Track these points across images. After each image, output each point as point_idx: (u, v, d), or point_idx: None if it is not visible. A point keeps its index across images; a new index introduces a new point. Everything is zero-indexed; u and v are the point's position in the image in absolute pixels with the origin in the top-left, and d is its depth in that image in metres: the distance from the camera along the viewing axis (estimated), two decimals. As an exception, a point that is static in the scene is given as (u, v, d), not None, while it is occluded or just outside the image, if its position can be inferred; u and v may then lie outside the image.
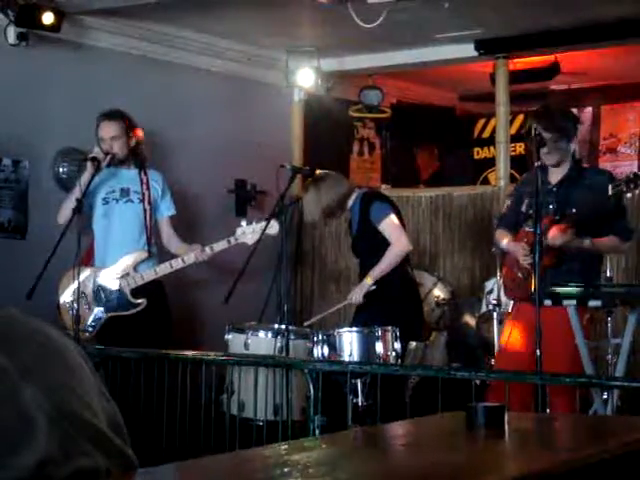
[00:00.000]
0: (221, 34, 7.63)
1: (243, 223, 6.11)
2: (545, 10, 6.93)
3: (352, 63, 8.35)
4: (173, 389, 4.99)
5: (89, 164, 5.90)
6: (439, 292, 6.97)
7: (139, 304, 6.02)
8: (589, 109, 10.21)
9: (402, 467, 1.30)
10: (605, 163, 9.95)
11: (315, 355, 5.46)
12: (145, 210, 6.12)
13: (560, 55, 8.37)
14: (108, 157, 5.93)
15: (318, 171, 6.27)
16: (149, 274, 6.04)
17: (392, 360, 5.45)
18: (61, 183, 6.82)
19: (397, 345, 5.50)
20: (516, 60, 8.06)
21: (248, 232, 6.06)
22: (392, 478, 1.23)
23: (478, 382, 5.03)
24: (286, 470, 1.23)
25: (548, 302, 4.97)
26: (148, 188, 6.15)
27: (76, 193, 5.82)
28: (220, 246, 6.11)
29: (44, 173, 6.81)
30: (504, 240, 5.50)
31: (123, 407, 1.20)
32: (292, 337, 5.68)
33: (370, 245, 6.07)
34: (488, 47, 7.75)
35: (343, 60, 8.31)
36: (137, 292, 6.04)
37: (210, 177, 7.65)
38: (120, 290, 6.03)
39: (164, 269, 6.05)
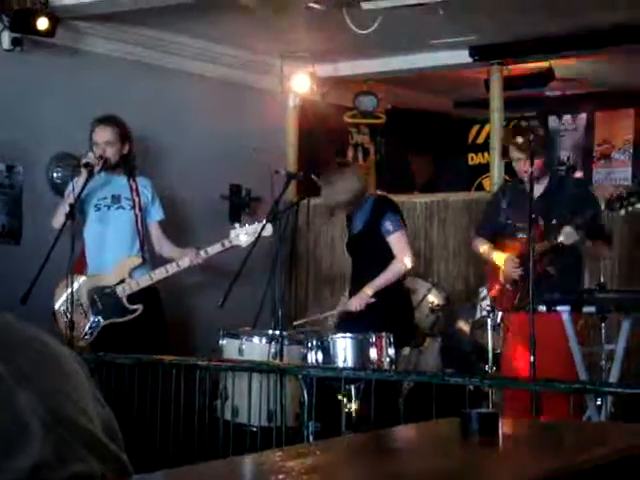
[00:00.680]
0: (216, 39, 7.63)
1: (237, 225, 6.12)
2: (540, 16, 6.94)
3: (347, 69, 8.35)
4: (167, 394, 4.99)
5: (83, 169, 5.90)
6: (433, 298, 6.97)
7: (135, 310, 6.01)
8: (583, 115, 10.23)
9: (396, 474, 1.30)
10: (599, 169, 9.97)
11: (309, 361, 5.46)
12: (136, 216, 6.12)
13: (554, 61, 8.38)
14: (101, 162, 5.93)
15: (343, 160, 6.26)
16: (145, 280, 6.03)
17: (386, 366, 5.45)
18: (55, 188, 6.81)
19: (391, 351, 5.50)
20: (510, 66, 8.07)
21: (242, 234, 6.06)
22: (386, 485, 1.23)
23: (472, 388, 5.03)
24: (280, 477, 1.23)
25: (542, 308, 4.99)
26: (138, 195, 6.15)
27: (70, 198, 5.82)
28: (214, 249, 6.11)
29: (38, 178, 6.80)
30: (481, 248, 5.64)
31: (117, 413, 1.20)
32: (286, 343, 5.68)
33: (370, 248, 6.06)
34: (483, 53, 7.76)
35: (338, 66, 8.32)
36: (132, 298, 6.04)
37: (204, 183, 7.65)
38: (116, 297, 6.02)
39: (160, 274, 6.05)
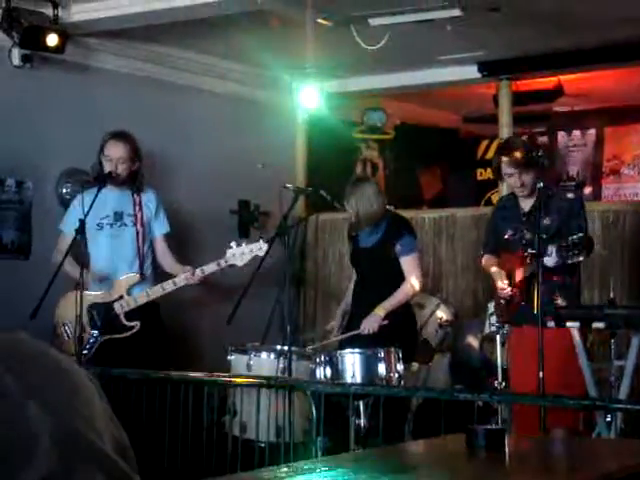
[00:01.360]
0: (225, 55, 7.66)
1: (233, 245, 6.11)
2: (548, 32, 6.94)
3: (355, 84, 8.37)
4: (175, 410, 4.98)
5: (91, 181, 5.96)
6: (442, 314, 6.95)
7: (133, 327, 6.03)
8: (592, 131, 10.23)
9: (401, 490, 1.30)
10: (608, 185, 9.96)
11: (317, 376, 5.44)
12: (138, 232, 6.14)
13: (563, 77, 8.39)
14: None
15: (360, 177, 6.27)
16: (142, 297, 6.05)
17: (395, 382, 5.43)
18: (65, 204, 6.82)
19: (400, 367, 5.48)
20: (519, 82, 8.07)
21: (238, 254, 6.06)
22: (391, 501, 1.22)
23: (481, 404, 5.01)
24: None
25: (552, 324, 4.97)
26: (141, 209, 6.16)
27: (68, 224, 5.87)
28: (210, 268, 6.10)
29: (48, 194, 6.82)
30: (493, 267, 5.64)
31: (125, 428, 1.20)
32: (294, 358, 5.67)
33: (380, 265, 6.04)
34: (491, 69, 7.77)
35: (346, 81, 8.34)
36: (132, 314, 6.04)
37: (213, 198, 7.66)
38: (114, 313, 6.04)
39: (156, 292, 6.06)
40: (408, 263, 6.01)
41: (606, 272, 6.53)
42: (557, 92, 8.70)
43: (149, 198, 6.25)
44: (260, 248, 6.02)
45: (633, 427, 5.51)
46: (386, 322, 5.92)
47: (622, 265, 7.03)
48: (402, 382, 5.50)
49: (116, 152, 6.03)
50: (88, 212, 5.76)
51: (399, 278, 6.03)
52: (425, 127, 10.11)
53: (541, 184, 5.11)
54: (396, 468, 1.60)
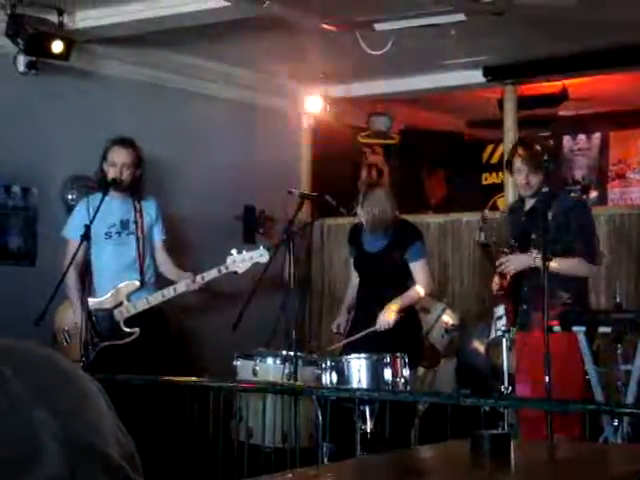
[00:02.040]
0: (230, 61, 7.67)
1: (233, 252, 6.11)
2: (553, 36, 6.94)
3: (360, 89, 8.38)
4: (181, 416, 4.98)
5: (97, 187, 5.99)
6: (448, 318, 6.94)
7: (132, 333, 6.04)
8: (598, 135, 10.21)
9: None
10: (614, 189, 9.94)
11: (323, 382, 5.44)
12: (138, 239, 6.15)
13: (568, 81, 8.39)
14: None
15: (375, 183, 6.28)
16: (141, 304, 6.06)
17: (401, 387, 5.42)
18: (70, 210, 6.83)
19: (406, 372, 5.48)
20: (524, 86, 8.07)
21: (238, 261, 6.07)
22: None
23: (487, 408, 5.00)
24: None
25: (557, 328, 4.96)
26: (142, 216, 6.18)
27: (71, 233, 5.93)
28: (211, 275, 6.11)
29: (53, 200, 6.83)
30: None
31: (131, 434, 1.20)
32: (300, 363, 5.67)
33: (388, 270, 6.05)
34: (496, 73, 7.77)
35: (351, 86, 8.34)
36: (133, 321, 6.05)
37: (218, 203, 7.66)
38: (113, 320, 6.05)
39: (156, 298, 6.07)
40: (419, 268, 6.03)
41: (612, 276, 6.51)
42: (562, 96, 8.70)
43: (150, 205, 6.26)
44: (261, 255, 6.04)
45: (640, 432, 5.50)
46: (398, 318, 5.92)
47: (628, 269, 7.02)
48: (408, 387, 5.50)
49: (121, 158, 6.03)
50: (94, 218, 5.77)
51: (404, 283, 6.03)
52: (430, 131, 10.11)
53: (547, 189, 5.12)
54: (402, 474, 1.59)
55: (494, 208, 9.56)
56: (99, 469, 1.02)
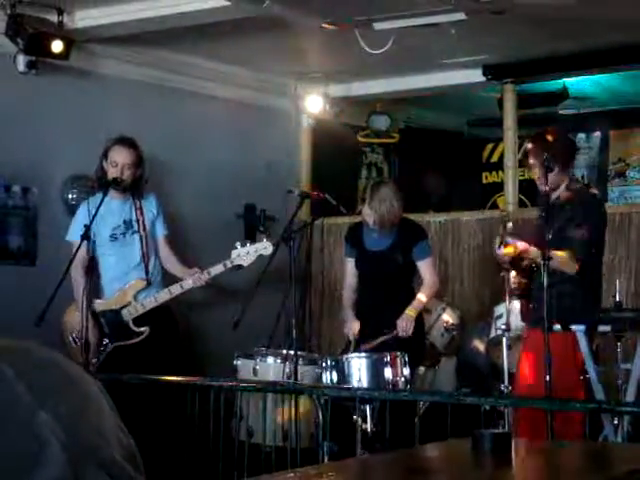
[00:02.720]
0: (230, 61, 7.67)
1: (237, 245, 6.12)
2: (553, 35, 6.94)
3: (360, 89, 8.38)
4: (182, 415, 4.98)
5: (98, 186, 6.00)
6: (448, 317, 6.95)
7: (142, 332, 6.04)
8: (597, 134, 10.21)
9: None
10: (614, 188, 9.94)
11: (324, 381, 5.45)
12: (141, 237, 6.15)
13: (568, 80, 8.39)
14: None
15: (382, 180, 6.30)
16: (149, 302, 6.06)
17: (401, 386, 5.43)
18: (70, 209, 6.83)
19: (406, 371, 5.48)
20: (524, 85, 8.07)
21: (243, 254, 6.08)
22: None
23: (488, 407, 5.01)
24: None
25: (557, 327, 4.96)
26: (142, 214, 6.17)
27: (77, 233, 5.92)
28: (217, 270, 6.12)
29: (53, 200, 6.83)
30: None
31: (131, 434, 1.20)
32: (301, 363, 5.67)
33: (391, 269, 6.05)
34: (496, 72, 7.77)
35: (351, 86, 8.34)
36: (142, 320, 6.05)
37: (219, 202, 7.67)
38: (121, 320, 6.05)
39: (163, 296, 6.08)
40: (426, 267, 6.06)
41: (612, 275, 6.50)
42: (562, 95, 8.69)
43: (150, 202, 6.26)
44: (265, 247, 6.07)
45: (640, 430, 5.50)
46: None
47: (628, 268, 7.02)
48: (409, 386, 5.50)
49: (122, 158, 6.02)
50: (94, 218, 5.78)
51: (409, 283, 6.05)
52: (430, 130, 10.11)
53: (546, 188, 5.09)
54: (403, 473, 1.60)
55: (494, 207, 9.56)
56: (101, 470, 1.03)
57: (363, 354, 5.55)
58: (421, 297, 6.01)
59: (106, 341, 6.02)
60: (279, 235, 6.19)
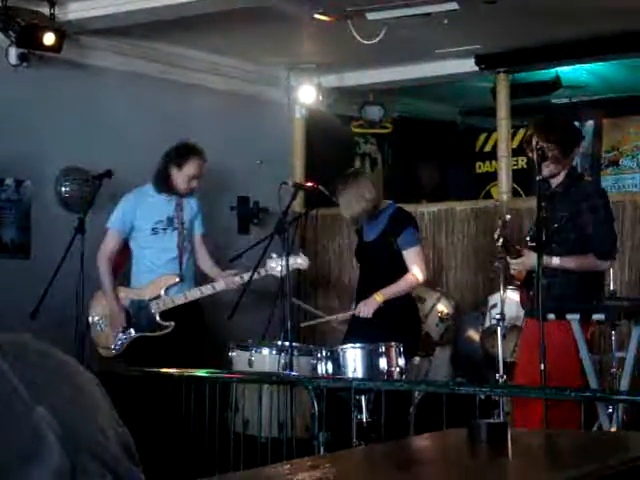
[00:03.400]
0: (222, 52, 7.66)
1: (274, 255, 6.18)
2: (546, 24, 6.94)
3: (353, 79, 8.37)
4: (177, 407, 4.99)
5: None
6: (443, 307, 6.96)
7: (167, 327, 6.12)
8: (591, 122, 10.22)
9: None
10: (607, 177, 9.96)
11: (319, 372, 5.45)
12: (180, 234, 6.26)
13: (561, 69, 8.39)
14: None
15: (352, 171, 6.36)
16: (179, 298, 6.15)
17: (396, 376, 5.44)
18: (63, 202, 6.83)
19: (401, 361, 5.49)
20: (517, 74, 8.07)
21: (278, 265, 6.14)
22: (394, 497, 1.23)
23: (483, 397, 5.02)
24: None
25: (552, 316, 4.97)
26: (182, 210, 6.29)
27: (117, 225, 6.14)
28: (250, 276, 6.20)
29: (47, 193, 6.82)
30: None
31: (127, 426, 1.20)
32: (296, 354, 5.68)
33: (380, 259, 6.05)
34: (489, 62, 7.77)
35: (344, 76, 8.33)
36: (170, 314, 6.13)
37: (212, 194, 7.65)
38: (149, 311, 6.13)
39: (194, 294, 6.17)
40: (410, 255, 6.01)
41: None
42: (555, 84, 8.70)
43: (191, 201, 6.38)
44: (301, 262, 6.23)
45: (635, 418, 5.51)
46: (381, 306, 5.93)
47: (622, 257, 7.03)
48: (404, 376, 5.51)
49: (196, 171, 6.19)
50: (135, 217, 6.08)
51: (399, 272, 6.03)
52: (423, 120, 10.11)
53: (539, 177, 5.07)
54: (398, 463, 1.60)
55: (488, 196, 9.58)
56: (98, 462, 1.03)
57: (358, 344, 5.55)
58: (394, 286, 5.98)
59: (130, 330, 6.06)
60: (273, 227, 6.20)
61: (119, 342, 6.08)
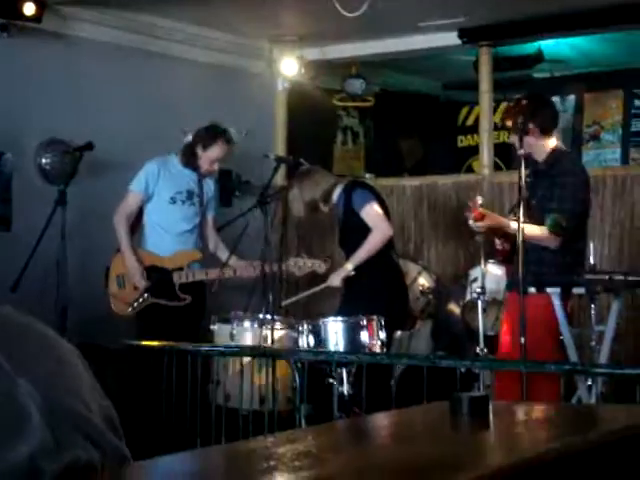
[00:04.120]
0: (204, 24, 7.61)
1: (300, 257, 6.34)
2: (528, -2, 6.93)
3: (335, 52, 8.34)
4: (159, 380, 4.99)
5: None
6: (424, 281, 6.98)
7: (184, 299, 6.19)
8: (572, 97, 10.22)
9: (388, 459, 1.31)
10: (589, 151, 9.98)
11: (301, 345, 5.47)
12: (197, 212, 6.34)
13: (543, 43, 8.39)
14: None
15: (303, 166, 6.33)
16: (200, 274, 6.21)
17: (377, 349, 5.46)
18: (44, 174, 6.80)
19: (382, 334, 5.51)
20: (500, 48, 8.06)
21: (298, 265, 6.26)
22: (378, 471, 1.23)
23: (463, 370, 5.05)
24: (272, 463, 1.23)
25: (532, 290, 5.00)
26: (202, 190, 6.34)
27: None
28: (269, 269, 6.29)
29: (27, 165, 6.78)
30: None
31: (109, 398, 1.20)
32: (277, 327, 5.69)
33: (355, 235, 6.08)
34: (472, 35, 7.75)
35: (326, 49, 8.30)
36: (184, 288, 6.20)
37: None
38: (171, 281, 6.19)
39: (214, 273, 6.20)
40: (367, 213, 6.05)
41: (587, 238, 6.54)
42: (537, 58, 8.70)
43: (210, 182, 6.45)
44: (319, 266, 6.25)
45: (614, 390, 5.57)
46: (353, 273, 5.98)
47: (602, 231, 7.07)
48: (385, 349, 5.54)
49: (221, 154, 6.23)
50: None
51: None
52: (405, 94, 10.09)
53: (520, 152, 5.08)
54: (380, 437, 1.61)
55: (469, 170, 9.58)
56: (82, 434, 1.03)
57: (339, 318, 5.57)
58: (360, 250, 6.02)
59: (148, 294, 6.09)
60: (255, 199, 6.20)
61: (136, 302, 6.10)
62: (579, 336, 5.49)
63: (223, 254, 6.37)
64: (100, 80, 7.00)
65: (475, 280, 6.13)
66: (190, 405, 4.97)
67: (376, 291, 5.99)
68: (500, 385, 5.24)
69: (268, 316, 5.70)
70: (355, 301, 5.98)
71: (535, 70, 9.29)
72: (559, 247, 5.17)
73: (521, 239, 4.84)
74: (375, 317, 5.50)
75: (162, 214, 6.25)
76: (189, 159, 6.25)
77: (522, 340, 4.70)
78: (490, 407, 1.55)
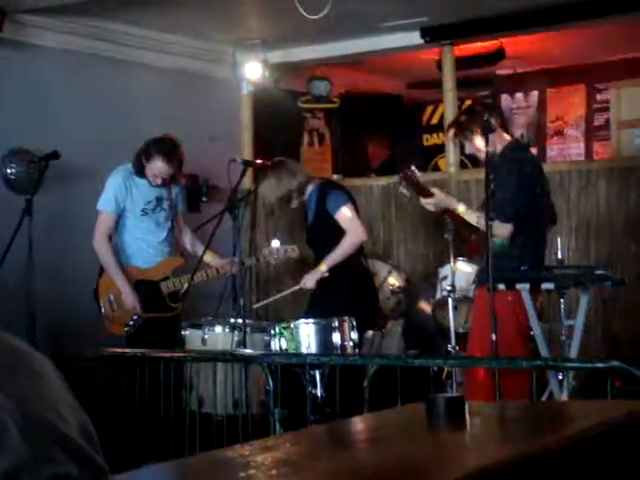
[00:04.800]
0: (167, 29, 7.58)
1: (273, 243, 6.43)
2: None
3: (299, 54, 8.34)
4: (131, 387, 4.97)
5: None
6: (394, 280, 7.00)
7: (176, 308, 6.18)
8: (535, 93, 10.30)
9: (366, 464, 1.32)
10: (553, 146, 10.06)
11: (273, 348, 5.47)
12: (168, 215, 6.29)
13: (505, 40, 8.43)
14: None
15: (277, 158, 6.36)
16: (186, 280, 6.11)
17: (350, 350, 5.47)
18: (9, 184, 6.74)
19: (354, 335, 5.52)
20: (462, 46, 8.10)
21: (272, 252, 6.37)
22: (358, 477, 1.24)
23: (436, 369, 5.07)
24: (251, 472, 1.23)
25: (501, 286, 5.03)
26: (170, 192, 6.29)
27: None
28: (249, 262, 6.42)
29: (-8, 175, 6.72)
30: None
31: (84, 408, 1.20)
32: (249, 331, 5.69)
33: (326, 235, 6.09)
34: (434, 34, 7.77)
35: (290, 52, 8.30)
36: (171, 296, 6.19)
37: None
38: (159, 292, 6.16)
39: (200, 277, 6.15)
40: (342, 216, 6.06)
41: (553, 233, 6.59)
42: (499, 55, 8.75)
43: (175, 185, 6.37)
44: (292, 249, 6.42)
45: (584, 384, 5.61)
46: (327, 274, 5.98)
47: (569, 225, 7.12)
48: (357, 350, 5.55)
49: (157, 171, 6.08)
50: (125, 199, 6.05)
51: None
52: (370, 95, 10.11)
53: (488, 148, 5.12)
54: (357, 442, 1.62)
55: (436, 169, 9.63)
56: (59, 449, 1.03)
57: (311, 320, 5.58)
58: (334, 252, 6.02)
59: (139, 311, 6.08)
60: (223, 204, 6.19)
61: (132, 322, 6.05)
62: (549, 331, 5.53)
63: (200, 250, 6.31)
64: (63, 88, 6.96)
65: (445, 278, 6.16)
66: (164, 411, 4.95)
67: (344, 292, 6.00)
68: (472, 382, 5.27)
69: (240, 320, 5.68)
70: (323, 302, 5.99)
71: (498, 67, 9.34)
72: (521, 238, 5.21)
73: (490, 236, 4.86)
74: (347, 318, 5.51)
75: (137, 227, 6.18)
76: (139, 169, 6.13)
77: (493, 337, 4.72)
78: (466, 408, 1.56)
